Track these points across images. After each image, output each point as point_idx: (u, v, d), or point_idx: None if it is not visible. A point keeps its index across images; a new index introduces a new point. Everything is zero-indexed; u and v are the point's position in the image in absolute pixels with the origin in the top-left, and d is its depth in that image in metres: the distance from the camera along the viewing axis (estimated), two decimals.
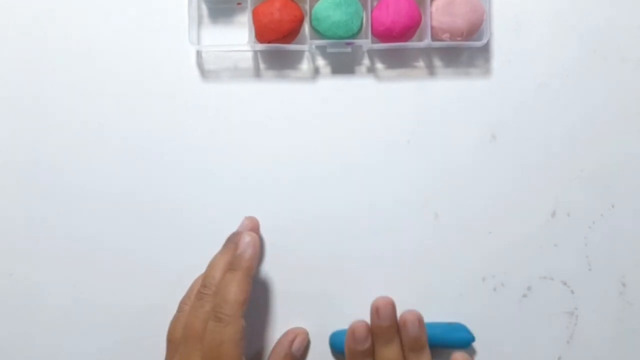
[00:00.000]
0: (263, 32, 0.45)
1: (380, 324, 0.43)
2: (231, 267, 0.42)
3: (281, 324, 0.47)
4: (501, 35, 0.48)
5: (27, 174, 0.48)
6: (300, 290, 0.47)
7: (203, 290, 0.41)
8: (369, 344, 0.43)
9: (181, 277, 0.47)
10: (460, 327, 0.46)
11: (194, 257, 0.47)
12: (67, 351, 0.47)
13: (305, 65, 0.48)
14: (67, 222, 0.47)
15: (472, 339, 0.46)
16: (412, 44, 0.47)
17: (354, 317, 0.45)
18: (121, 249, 0.47)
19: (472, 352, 0.47)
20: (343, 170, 0.48)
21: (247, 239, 0.43)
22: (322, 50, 0.48)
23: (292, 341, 0.45)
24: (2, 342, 0.47)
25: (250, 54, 0.48)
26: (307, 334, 0.46)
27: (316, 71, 0.48)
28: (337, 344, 0.46)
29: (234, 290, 0.41)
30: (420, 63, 0.48)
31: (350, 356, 0.44)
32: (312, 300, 0.47)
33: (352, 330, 0.43)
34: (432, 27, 0.46)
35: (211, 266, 0.43)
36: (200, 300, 0.41)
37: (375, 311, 0.44)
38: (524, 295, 0.47)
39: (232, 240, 0.44)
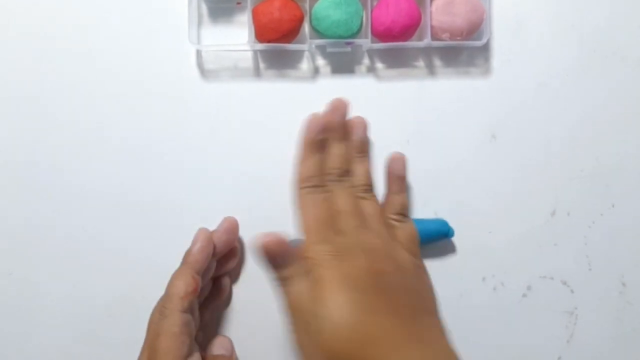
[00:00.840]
0: (263, 32, 0.45)
1: (334, 118, 0.45)
2: (184, 259, 0.43)
3: (280, 322, 0.47)
4: (501, 35, 0.48)
5: (27, 174, 0.48)
6: None
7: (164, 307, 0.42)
8: (322, 136, 0.44)
9: None
10: (440, 222, 0.47)
11: None
12: (66, 351, 0.47)
13: (305, 65, 0.48)
14: (67, 222, 0.47)
15: (451, 232, 0.46)
16: (412, 43, 0.47)
17: None
18: (121, 248, 0.47)
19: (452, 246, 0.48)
20: None
21: (198, 235, 0.44)
22: (322, 49, 0.48)
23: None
24: (2, 342, 0.47)
25: (250, 54, 0.48)
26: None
27: (316, 71, 0.48)
28: None
29: (177, 283, 0.41)
30: (420, 63, 0.48)
31: (305, 146, 0.44)
32: None
33: (307, 121, 0.44)
34: (432, 27, 0.46)
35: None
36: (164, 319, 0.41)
37: (333, 107, 0.45)
38: (524, 295, 0.47)
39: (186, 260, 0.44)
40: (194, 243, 0.43)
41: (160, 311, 0.41)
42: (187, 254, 0.43)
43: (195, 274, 0.42)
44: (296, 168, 0.44)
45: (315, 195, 0.43)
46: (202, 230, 0.44)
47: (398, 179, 0.46)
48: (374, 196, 0.45)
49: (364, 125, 0.46)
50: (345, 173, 0.45)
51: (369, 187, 0.45)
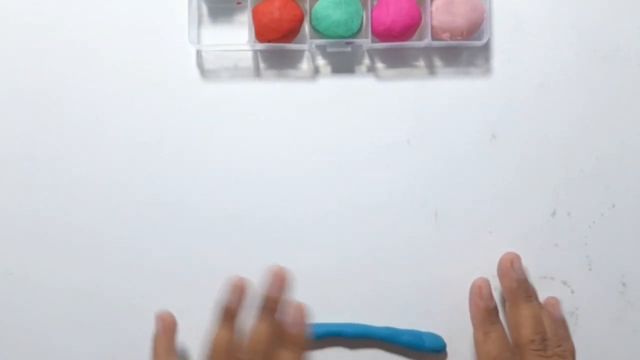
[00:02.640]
0: (263, 32, 0.45)
1: (516, 278, 0.44)
2: (287, 343, 0.39)
3: None
4: (501, 35, 0.48)
5: (27, 174, 0.47)
6: (300, 288, 0.47)
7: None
8: (495, 302, 0.44)
9: (181, 276, 0.47)
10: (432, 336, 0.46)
11: (194, 256, 0.47)
12: (67, 350, 0.47)
13: (305, 65, 0.48)
14: (67, 222, 0.47)
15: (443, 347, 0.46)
16: (412, 43, 0.47)
17: (356, 315, 0.45)
18: (121, 248, 0.47)
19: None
20: (343, 170, 0.47)
21: (296, 307, 0.40)
22: (322, 49, 0.48)
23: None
24: (2, 342, 0.47)
25: (250, 54, 0.48)
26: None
27: (316, 70, 0.48)
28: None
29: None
30: (420, 62, 0.48)
31: (478, 316, 0.44)
32: (310, 299, 0.47)
33: (477, 287, 0.44)
34: (432, 27, 0.46)
35: (254, 336, 0.40)
36: None
37: (510, 264, 0.44)
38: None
39: (268, 308, 0.41)
40: (298, 321, 0.40)
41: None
42: (297, 336, 0.40)
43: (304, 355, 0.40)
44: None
45: None
46: (299, 306, 0.41)
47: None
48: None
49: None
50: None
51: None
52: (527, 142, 0.48)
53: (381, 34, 0.46)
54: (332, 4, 0.45)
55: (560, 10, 0.48)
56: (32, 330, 0.47)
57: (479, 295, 0.44)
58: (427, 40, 0.46)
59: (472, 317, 0.45)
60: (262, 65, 0.48)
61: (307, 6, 0.46)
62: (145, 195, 0.47)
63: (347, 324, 0.46)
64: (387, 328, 0.46)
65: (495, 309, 0.44)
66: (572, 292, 0.47)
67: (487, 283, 0.45)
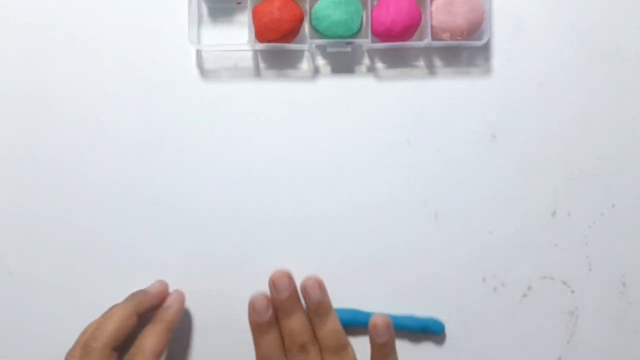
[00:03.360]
0: (263, 32, 0.45)
1: (279, 297, 0.43)
2: (155, 318, 0.43)
3: None
4: (501, 35, 0.48)
5: (27, 174, 0.47)
6: (298, 287, 0.47)
7: (90, 343, 0.40)
8: (270, 314, 0.43)
9: (181, 276, 0.47)
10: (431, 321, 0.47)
11: (193, 256, 0.47)
12: (66, 350, 0.47)
13: (305, 65, 0.48)
14: (67, 221, 0.47)
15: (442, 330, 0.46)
16: (412, 43, 0.47)
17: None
18: (121, 247, 0.47)
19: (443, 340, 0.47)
20: (343, 170, 0.47)
21: (175, 294, 0.45)
22: (322, 49, 0.48)
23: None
24: (2, 342, 0.47)
25: (250, 54, 0.48)
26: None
27: (316, 71, 0.48)
28: None
29: (152, 341, 0.41)
30: (420, 62, 0.48)
31: (254, 329, 0.43)
32: None
33: (251, 302, 0.43)
34: (432, 27, 0.46)
35: (105, 318, 0.42)
36: (87, 356, 0.40)
37: (272, 285, 0.43)
38: (524, 295, 0.47)
39: (135, 296, 0.44)
40: (173, 301, 0.45)
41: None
42: (164, 312, 0.44)
43: (171, 333, 0.43)
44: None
45: None
46: (178, 291, 0.46)
47: (384, 345, 0.42)
48: (348, 354, 0.43)
49: (317, 285, 0.43)
50: (307, 345, 0.43)
51: (340, 347, 0.43)
52: (527, 142, 0.48)
53: (381, 34, 0.46)
54: (332, 4, 0.45)
55: (560, 10, 0.48)
56: (32, 330, 0.47)
57: (253, 310, 0.43)
58: (427, 40, 0.46)
59: (251, 331, 0.44)
60: (262, 65, 0.48)
61: (307, 6, 0.46)
62: (145, 195, 0.47)
63: (343, 310, 0.46)
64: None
65: (271, 320, 0.43)
66: (572, 292, 0.47)
67: (260, 296, 0.43)
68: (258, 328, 0.43)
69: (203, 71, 0.48)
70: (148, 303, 0.44)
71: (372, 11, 0.46)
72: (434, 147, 0.48)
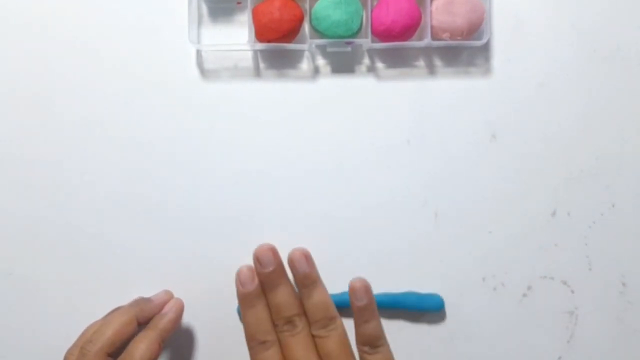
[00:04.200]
0: (263, 32, 0.45)
1: (264, 271, 0.43)
2: (149, 325, 0.43)
3: None
4: (501, 35, 0.48)
5: (27, 174, 0.47)
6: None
7: (87, 346, 0.41)
8: (256, 286, 0.43)
9: (181, 276, 0.47)
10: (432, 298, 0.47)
11: (194, 256, 0.47)
12: (65, 350, 0.47)
13: (305, 65, 0.48)
14: (67, 221, 0.47)
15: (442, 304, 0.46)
16: (412, 43, 0.47)
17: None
18: (121, 247, 0.47)
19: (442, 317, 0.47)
20: (343, 170, 0.47)
21: (173, 302, 0.45)
22: (322, 49, 0.48)
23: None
24: (2, 342, 0.47)
25: (250, 54, 0.48)
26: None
27: (316, 70, 0.48)
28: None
29: (143, 347, 0.41)
30: (420, 62, 0.48)
31: (241, 302, 0.44)
32: None
33: (237, 275, 0.44)
34: (432, 27, 0.46)
35: (105, 322, 0.42)
36: (83, 358, 0.40)
37: (256, 260, 0.44)
38: (524, 295, 0.47)
39: (138, 303, 0.44)
40: (169, 309, 0.44)
41: None
42: (159, 319, 0.43)
43: (162, 342, 0.42)
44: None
45: (265, 353, 0.42)
46: (178, 300, 0.45)
47: (363, 309, 0.43)
48: (337, 326, 0.43)
49: (304, 257, 0.44)
50: (294, 317, 0.43)
51: (329, 319, 0.43)
52: (527, 142, 0.48)
53: (381, 34, 0.46)
54: (332, 4, 0.45)
55: (560, 10, 0.48)
56: (32, 330, 0.47)
57: (239, 281, 0.44)
58: (427, 40, 0.46)
59: (239, 303, 0.44)
60: (262, 65, 0.48)
61: (307, 6, 0.46)
62: (145, 195, 0.47)
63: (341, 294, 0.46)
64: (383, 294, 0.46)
65: (256, 291, 0.44)
66: (572, 292, 0.47)
67: (245, 267, 0.44)
68: (244, 301, 0.43)
69: (203, 71, 0.48)
70: (150, 311, 0.44)
71: (372, 11, 0.46)
72: (434, 147, 0.48)
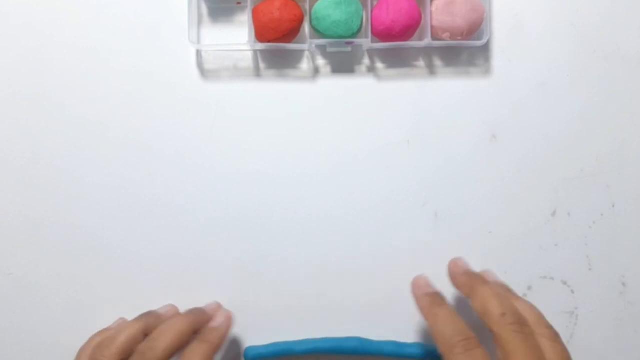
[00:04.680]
0: (263, 32, 0.45)
1: (463, 271, 0.43)
2: (202, 336, 0.41)
3: (277, 320, 0.47)
4: (501, 35, 0.48)
5: (27, 174, 0.47)
6: (299, 288, 0.47)
7: (144, 351, 0.39)
8: (434, 288, 0.42)
9: (181, 276, 0.47)
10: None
11: (195, 257, 0.47)
12: (66, 350, 0.47)
13: (305, 65, 0.48)
14: (67, 221, 0.47)
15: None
16: (412, 43, 0.47)
17: (356, 314, 0.45)
18: (121, 247, 0.47)
19: None
20: (343, 170, 0.47)
21: (224, 313, 0.43)
22: (322, 49, 0.48)
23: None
24: (2, 342, 0.47)
25: (250, 54, 0.48)
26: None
27: (316, 70, 0.48)
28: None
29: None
30: (420, 62, 0.48)
31: (423, 305, 0.41)
32: (309, 298, 0.47)
33: (415, 282, 0.43)
34: (432, 27, 0.46)
35: (166, 328, 0.41)
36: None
37: (454, 265, 0.44)
38: (524, 295, 0.47)
39: (195, 314, 0.43)
40: (223, 322, 0.43)
41: None
42: (212, 333, 0.42)
43: (214, 355, 0.41)
44: None
45: (476, 350, 0.37)
46: (229, 313, 0.44)
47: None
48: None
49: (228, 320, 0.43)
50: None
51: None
52: (527, 142, 0.48)
53: (381, 34, 0.46)
54: (332, 4, 0.45)
55: (560, 10, 0.48)
56: (32, 330, 0.47)
57: (418, 286, 0.42)
58: (427, 40, 0.46)
59: (420, 310, 0.41)
60: (262, 65, 0.48)
61: (307, 6, 0.46)
62: (145, 195, 0.47)
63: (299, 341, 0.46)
64: (354, 339, 0.46)
65: (437, 293, 0.42)
66: (572, 292, 0.47)
67: (423, 276, 0.43)
68: (435, 299, 0.41)
69: (203, 71, 0.48)
70: (204, 323, 0.43)
71: (372, 11, 0.46)
72: (434, 147, 0.48)
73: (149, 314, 0.43)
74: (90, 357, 0.40)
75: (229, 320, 0.43)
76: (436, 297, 0.41)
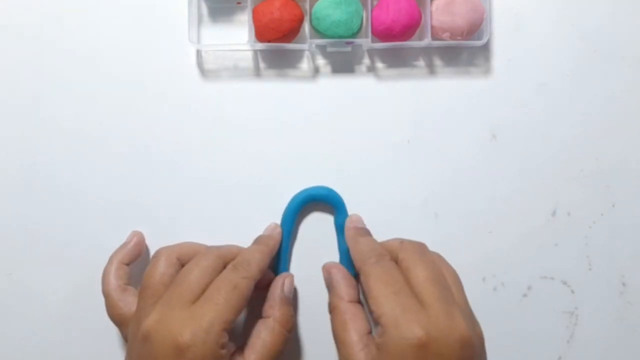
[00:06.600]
0: (263, 31, 0.45)
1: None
2: (254, 242, 0.45)
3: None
4: (501, 35, 0.48)
5: (27, 174, 0.47)
6: (300, 288, 0.47)
7: (241, 266, 0.41)
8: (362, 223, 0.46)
9: None
10: None
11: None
12: (66, 351, 0.47)
13: (305, 65, 0.48)
14: (67, 222, 0.47)
15: None
16: (412, 43, 0.47)
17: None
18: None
19: None
20: (343, 170, 0.47)
21: (275, 225, 0.46)
22: (322, 49, 0.48)
23: (283, 284, 0.44)
24: (2, 342, 0.47)
25: (250, 53, 0.48)
26: (292, 276, 0.45)
27: (316, 70, 0.48)
28: None
29: (258, 257, 0.42)
30: (421, 62, 0.48)
31: (349, 236, 0.45)
32: (308, 297, 0.47)
33: (349, 220, 0.46)
34: (432, 27, 0.46)
35: (252, 250, 0.43)
36: (237, 275, 0.40)
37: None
38: (524, 295, 0.47)
39: (265, 239, 0.46)
40: (273, 230, 0.46)
41: (237, 269, 0.41)
42: (268, 238, 0.45)
43: (270, 258, 0.44)
44: None
45: (388, 263, 0.42)
46: (277, 226, 0.46)
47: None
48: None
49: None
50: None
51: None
52: (527, 142, 0.48)
53: (381, 34, 0.46)
54: (332, 4, 0.45)
55: (560, 10, 0.48)
56: (32, 331, 0.47)
57: (350, 221, 0.46)
58: (427, 40, 0.46)
59: (346, 238, 0.45)
60: (262, 65, 0.48)
61: (307, 6, 0.46)
62: (145, 196, 0.47)
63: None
64: None
65: (365, 228, 0.45)
66: (572, 292, 0.47)
67: (357, 214, 0.46)
68: (360, 230, 0.45)
69: (203, 71, 0.48)
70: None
71: (372, 11, 0.46)
72: (434, 147, 0.48)
73: (263, 238, 0.46)
74: (233, 267, 0.41)
75: (279, 228, 0.46)
76: (363, 230, 0.45)
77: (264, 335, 0.41)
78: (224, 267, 0.41)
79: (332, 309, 0.42)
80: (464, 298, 0.41)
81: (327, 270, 0.45)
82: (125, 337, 0.42)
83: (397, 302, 0.37)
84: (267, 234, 0.46)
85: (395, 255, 0.41)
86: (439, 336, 0.36)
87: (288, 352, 0.46)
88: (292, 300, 0.44)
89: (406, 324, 0.36)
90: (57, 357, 0.47)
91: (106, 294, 0.43)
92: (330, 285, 0.44)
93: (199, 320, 0.37)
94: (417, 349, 0.35)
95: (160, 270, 0.41)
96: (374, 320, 0.38)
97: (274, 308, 0.42)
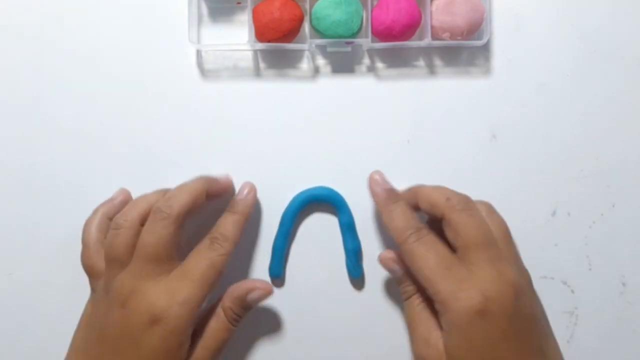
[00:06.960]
0: (263, 31, 0.45)
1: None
2: (231, 208, 0.44)
3: (280, 319, 0.47)
4: (501, 35, 0.48)
5: (27, 174, 0.47)
6: (298, 288, 0.47)
7: (163, 208, 0.41)
8: (391, 185, 0.45)
9: None
10: None
11: None
12: (66, 351, 0.47)
13: (305, 65, 0.48)
14: (67, 222, 0.47)
15: None
16: (412, 43, 0.47)
17: (357, 313, 0.45)
18: None
19: None
20: (343, 170, 0.47)
21: (248, 185, 0.45)
22: (322, 49, 0.48)
23: (255, 290, 0.43)
24: (1, 342, 0.47)
25: (250, 53, 0.48)
26: (269, 291, 0.44)
27: (316, 70, 0.48)
28: None
29: (233, 229, 0.43)
30: (421, 62, 0.48)
31: (379, 201, 0.44)
32: (308, 298, 0.47)
33: (371, 178, 0.45)
34: (432, 27, 0.46)
35: (178, 190, 0.42)
36: (158, 222, 0.41)
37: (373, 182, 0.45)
38: None
39: (206, 178, 0.44)
40: (247, 193, 0.45)
41: (214, 247, 0.42)
42: (240, 203, 0.44)
43: (244, 225, 0.44)
44: None
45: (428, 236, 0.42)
46: (252, 184, 0.45)
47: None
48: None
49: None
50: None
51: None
52: (527, 142, 0.48)
53: (381, 34, 0.46)
54: (332, 4, 0.45)
55: (560, 10, 0.48)
56: (32, 330, 0.47)
57: (374, 182, 0.45)
58: (427, 40, 0.46)
59: (377, 205, 0.44)
60: (262, 65, 0.48)
61: (307, 6, 0.46)
62: None
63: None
64: None
65: (393, 190, 0.44)
66: (572, 292, 0.47)
67: (379, 172, 0.45)
68: (391, 195, 0.44)
69: (203, 71, 0.48)
70: (218, 187, 0.45)
71: (372, 11, 0.46)
72: (434, 147, 0.48)
73: (204, 176, 0.44)
74: (153, 213, 0.41)
75: (254, 191, 0.45)
76: (392, 194, 0.44)
77: (212, 323, 0.42)
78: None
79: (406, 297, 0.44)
80: (510, 248, 0.43)
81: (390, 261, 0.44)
82: (93, 288, 0.43)
83: (450, 276, 0.39)
84: (241, 199, 0.45)
85: (440, 212, 0.42)
86: (495, 295, 0.38)
87: (287, 352, 0.46)
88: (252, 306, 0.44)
89: (464, 294, 0.38)
90: (57, 356, 0.46)
91: (85, 244, 0.44)
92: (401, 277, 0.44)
93: (176, 294, 0.39)
94: (481, 314, 0.38)
95: (120, 239, 0.42)
96: (430, 296, 0.41)
97: (230, 298, 0.43)
